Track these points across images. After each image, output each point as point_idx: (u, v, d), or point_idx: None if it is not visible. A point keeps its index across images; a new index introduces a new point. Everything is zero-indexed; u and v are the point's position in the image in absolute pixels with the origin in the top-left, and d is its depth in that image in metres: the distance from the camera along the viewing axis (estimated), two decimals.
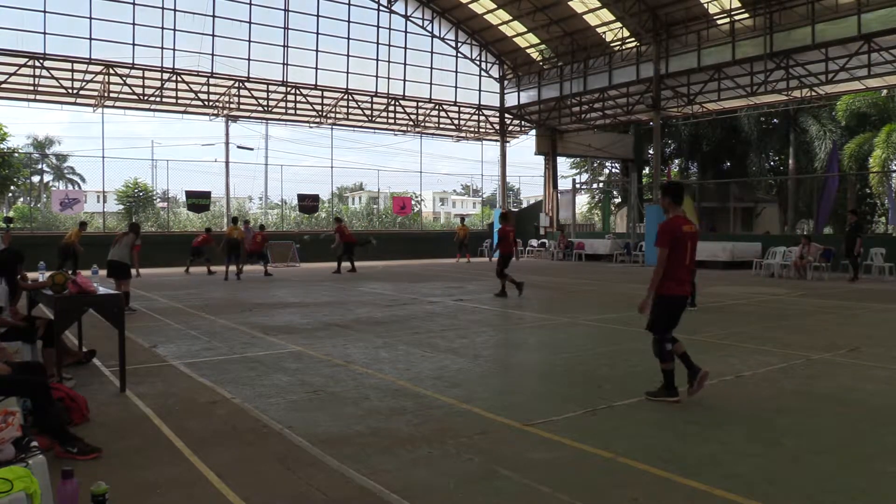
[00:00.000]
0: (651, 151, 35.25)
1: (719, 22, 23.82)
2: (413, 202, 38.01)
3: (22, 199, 42.67)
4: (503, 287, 14.38)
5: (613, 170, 44.91)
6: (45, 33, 22.64)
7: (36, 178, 46.33)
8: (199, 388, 6.36)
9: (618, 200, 43.10)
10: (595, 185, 45.17)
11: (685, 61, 25.00)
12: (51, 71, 23.14)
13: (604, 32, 27.46)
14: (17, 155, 33.27)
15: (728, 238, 26.31)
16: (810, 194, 33.75)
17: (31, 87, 23.69)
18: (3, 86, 23.05)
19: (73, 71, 23.93)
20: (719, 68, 24.48)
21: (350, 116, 29.87)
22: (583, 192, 44.05)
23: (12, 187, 35.69)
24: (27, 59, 22.60)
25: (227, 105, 27.03)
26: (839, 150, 31.27)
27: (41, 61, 22.83)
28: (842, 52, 21.54)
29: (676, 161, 40.55)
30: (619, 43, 27.15)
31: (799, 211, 36.30)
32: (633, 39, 26.55)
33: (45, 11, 22.52)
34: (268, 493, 3.87)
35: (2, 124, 30.24)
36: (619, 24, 26.66)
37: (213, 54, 25.53)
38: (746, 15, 23.08)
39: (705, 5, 23.72)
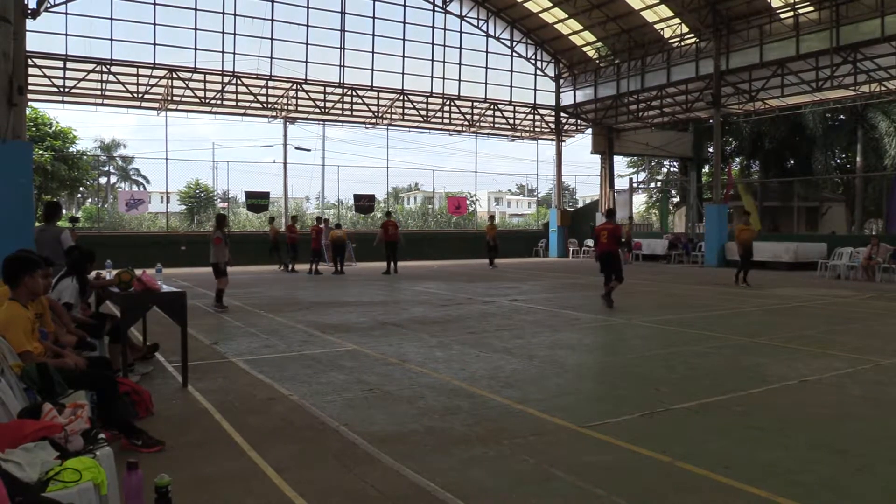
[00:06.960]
0: (711, 150, 34.47)
1: (783, 16, 23.10)
2: (468, 202, 38.05)
3: (90, 200, 44.30)
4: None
5: (672, 168, 44.09)
6: (111, 39, 23.42)
7: (103, 180, 48.14)
8: (258, 385, 6.48)
9: (676, 200, 42.30)
10: (652, 185, 44.42)
11: (747, 57, 24.33)
12: (117, 76, 23.93)
13: (662, 29, 26.95)
14: (85, 157, 34.58)
15: (791, 238, 25.58)
16: (879, 193, 32.46)
17: (99, 92, 24.51)
18: (73, 91, 23.90)
19: (138, 76, 24.67)
20: (782, 63, 23.75)
21: (405, 117, 30.05)
22: (640, 192, 43.36)
23: (81, 188, 37.11)
24: (95, 65, 23.38)
25: (286, 107, 27.51)
26: None
27: (108, 67, 23.61)
28: None
29: (737, 159, 39.55)
30: (678, 39, 26.61)
31: (867, 210, 35.00)
32: (692, 35, 25.99)
33: (111, 18, 23.29)
34: (324, 488, 3.92)
35: (71, 128, 31.55)
36: (677, 20, 26.14)
37: (271, 57, 26.00)
38: (811, 8, 22.33)
39: None
